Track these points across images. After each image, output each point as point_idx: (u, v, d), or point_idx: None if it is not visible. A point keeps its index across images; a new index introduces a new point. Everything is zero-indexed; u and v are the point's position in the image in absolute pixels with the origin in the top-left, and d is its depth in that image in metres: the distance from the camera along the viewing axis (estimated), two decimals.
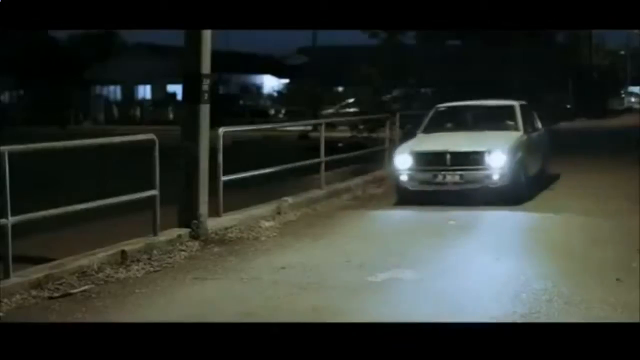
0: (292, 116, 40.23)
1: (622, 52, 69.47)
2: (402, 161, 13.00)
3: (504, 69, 27.75)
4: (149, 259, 9.04)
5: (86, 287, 7.91)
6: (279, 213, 11.96)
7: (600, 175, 16.14)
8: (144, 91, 59.50)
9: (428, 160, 12.88)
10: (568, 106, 43.28)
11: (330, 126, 20.43)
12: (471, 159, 12.60)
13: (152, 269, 8.72)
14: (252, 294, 7.68)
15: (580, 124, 38.80)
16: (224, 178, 11.27)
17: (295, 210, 12.35)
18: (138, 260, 8.91)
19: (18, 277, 7.73)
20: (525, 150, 13.24)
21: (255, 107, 52.68)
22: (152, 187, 9.70)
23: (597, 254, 8.87)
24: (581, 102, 47.23)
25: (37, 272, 7.95)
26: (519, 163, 12.77)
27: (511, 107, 14.39)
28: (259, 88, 61.81)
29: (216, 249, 9.73)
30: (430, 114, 14.80)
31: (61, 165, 15.38)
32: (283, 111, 48.09)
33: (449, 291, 7.46)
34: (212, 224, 10.52)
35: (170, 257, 9.19)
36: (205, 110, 10.39)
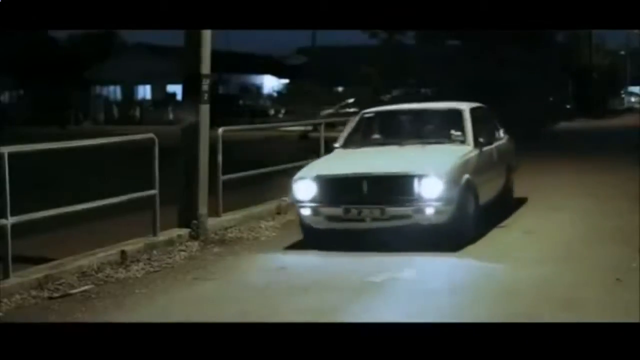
0: (291, 116, 40.23)
1: (622, 52, 69.41)
2: (304, 190, 9.52)
3: (503, 69, 27.69)
4: (149, 259, 9.05)
5: (86, 287, 7.92)
6: (278, 213, 11.95)
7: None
8: (144, 91, 59.47)
9: (338, 188, 9.46)
10: (568, 106, 43.26)
11: (330, 126, 20.42)
12: (396, 186, 9.28)
13: (151, 269, 8.73)
14: (252, 294, 7.68)
15: (579, 124, 38.81)
16: (223, 178, 11.28)
17: (295, 210, 12.34)
18: (138, 261, 8.92)
19: (18, 277, 7.74)
20: (476, 171, 9.96)
21: (255, 107, 52.67)
22: (152, 187, 9.70)
23: (597, 254, 8.87)
24: (581, 102, 47.21)
25: (37, 272, 7.96)
26: (465, 190, 9.51)
27: (458, 113, 10.84)
28: (259, 88, 61.78)
29: (216, 249, 9.73)
30: (355, 121, 11.46)
31: (61, 165, 15.39)
32: (283, 111, 48.08)
33: None
34: (212, 223, 10.52)
35: (170, 258, 9.20)
36: (205, 110, 10.40)
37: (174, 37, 12.78)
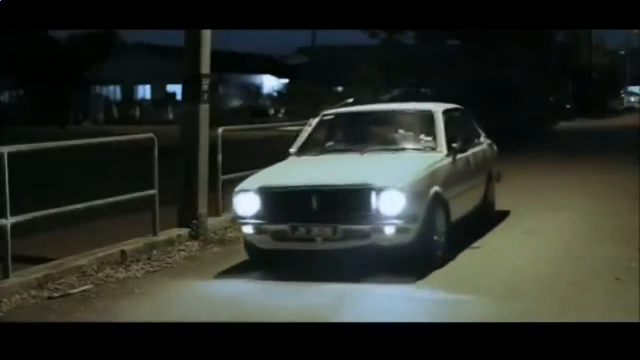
0: (291, 116, 40.25)
1: (622, 52, 69.47)
2: (246, 204, 8.32)
3: (503, 69, 27.71)
4: (149, 259, 9.05)
5: (86, 287, 7.92)
6: None
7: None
8: (144, 91, 59.52)
9: (284, 203, 8.26)
10: (568, 106, 43.32)
11: None
12: (351, 201, 8.02)
13: (151, 269, 8.73)
14: (252, 294, 7.68)
15: (579, 124, 38.86)
16: (223, 177, 11.28)
17: None
18: (138, 261, 8.92)
19: (18, 277, 7.74)
20: (447, 183, 8.74)
21: (255, 107, 52.73)
22: (152, 187, 9.71)
23: (596, 254, 8.86)
24: (581, 102, 47.27)
25: (37, 272, 7.96)
26: (433, 205, 8.28)
27: (429, 115, 9.61)
28: (259, 88, 61.83)
29: (216, 249, 9.73)
30: (314, 124, 10.09)
31: (61, 165, 15.40)
32: (283, 111, 48.12)
33: None
34: (212, 223, 10.52)
35: (170, 258, 9.20)
36: (205, 110, 10.41)
37: (174, 37, 12.80)
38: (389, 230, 7.93)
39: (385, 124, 10.14)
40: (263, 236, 8.30)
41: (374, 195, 7.92)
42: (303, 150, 9.63)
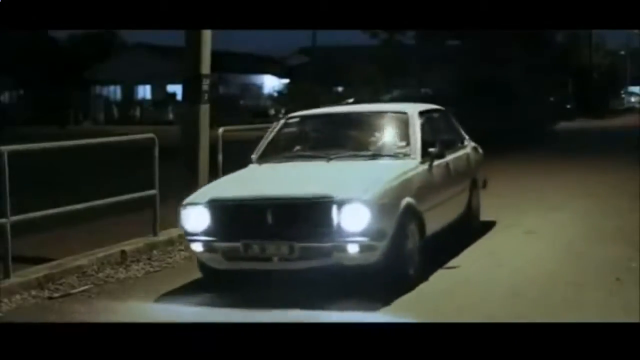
0: None
1: (622, 52, 69.52)
2: (194, 219, 7.47)
3: (503, 69, 27.75)
4: (149, 259, 9.06)
5: (86, 287, 7.93)
6: None
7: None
8: (144, 91, 59.55)
9: (236, 217, 7.36)
10: (568, 106, 43.38)
11: None
12: (310, 215, 7.14)
13: (152, 269, 8.74)
14: (251, 294, 7.67)
15: (580, 124, 38.87)
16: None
17: None
18: (138, 261, 8.93)
19: (18, 277, 7.74)
20: (422, 193, 7.86)
21: (255, 107, 52.77)
22: (152, 187, 9.71)
23: (597, 253, 8.86)
24: (581, 102, 47.34)
25: (37, 272, 7.96)
26: (404, 218, 7.39)
27: (403, 118, 8.71)
28: (259, 88, 61.84)
29: None
30: (277, 127, 9.17)
31: (61, 165, 15.40)
32: (283, 111, 48.15)
33: None
34: None
35: (170, 257, 9.21)
36: (205, 110, 10.41)
37: (174, 37, 12.81)
38: (352, 249, 7.04)
39: (355, 127, 9.00)
40: (214, 255, 7.44)
41: (334, 208, 7.03)
42: (264, 157, 8.72)
